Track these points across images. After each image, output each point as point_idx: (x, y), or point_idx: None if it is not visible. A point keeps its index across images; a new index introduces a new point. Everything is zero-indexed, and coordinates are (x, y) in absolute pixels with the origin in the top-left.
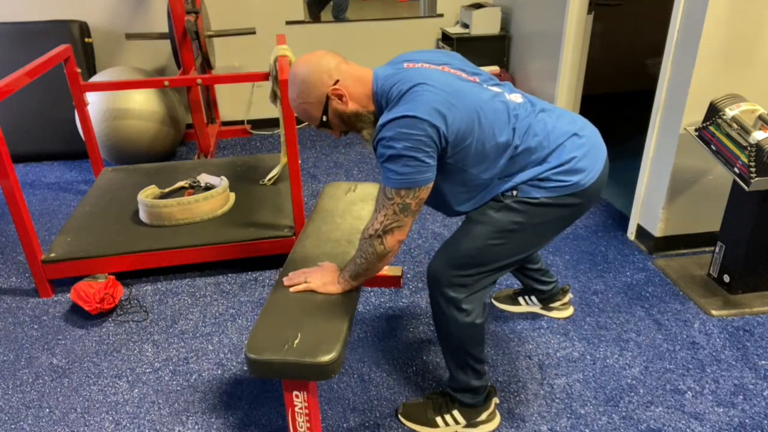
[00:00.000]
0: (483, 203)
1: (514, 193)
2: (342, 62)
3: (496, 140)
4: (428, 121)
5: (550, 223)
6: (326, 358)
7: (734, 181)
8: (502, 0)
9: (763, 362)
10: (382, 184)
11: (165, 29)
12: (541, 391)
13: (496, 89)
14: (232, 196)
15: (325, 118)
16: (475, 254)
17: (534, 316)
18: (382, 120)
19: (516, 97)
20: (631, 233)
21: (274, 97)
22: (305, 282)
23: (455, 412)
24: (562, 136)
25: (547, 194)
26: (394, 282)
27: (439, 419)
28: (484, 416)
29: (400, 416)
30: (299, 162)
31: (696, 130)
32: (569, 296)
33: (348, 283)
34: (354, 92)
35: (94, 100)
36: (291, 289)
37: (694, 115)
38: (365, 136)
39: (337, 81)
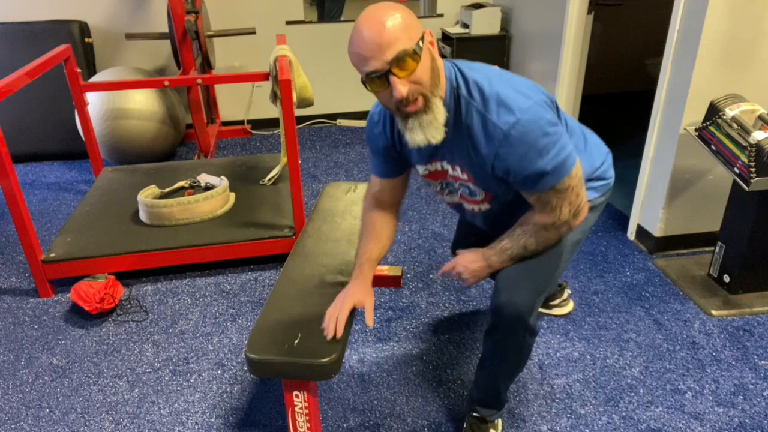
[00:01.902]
0: None
1: None
2: None
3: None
4: (542, 95)
5: (590, 228)
6: (326, 358)
7: (734, 181)
8: (502, 0)
9: (763, 362)
10: (546, 188)
11: (165, 29)
12: (541, 391)
13: None
14: (232, 196)
15: (419, 51)
16: (555, 274)
17: None
18: (495, 117)
19: None
20: (631, 233)
21: (274, 97)
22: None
23: (498, 422)
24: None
25: (596, 195)
26: (394, 282)
27: None
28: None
29: None
30: (299, 162)
31: (696, 130)
32: (567, 292)
33: (498, 264)
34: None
35: (94, 100)
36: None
37: (694, 115)
38: (431, 107)
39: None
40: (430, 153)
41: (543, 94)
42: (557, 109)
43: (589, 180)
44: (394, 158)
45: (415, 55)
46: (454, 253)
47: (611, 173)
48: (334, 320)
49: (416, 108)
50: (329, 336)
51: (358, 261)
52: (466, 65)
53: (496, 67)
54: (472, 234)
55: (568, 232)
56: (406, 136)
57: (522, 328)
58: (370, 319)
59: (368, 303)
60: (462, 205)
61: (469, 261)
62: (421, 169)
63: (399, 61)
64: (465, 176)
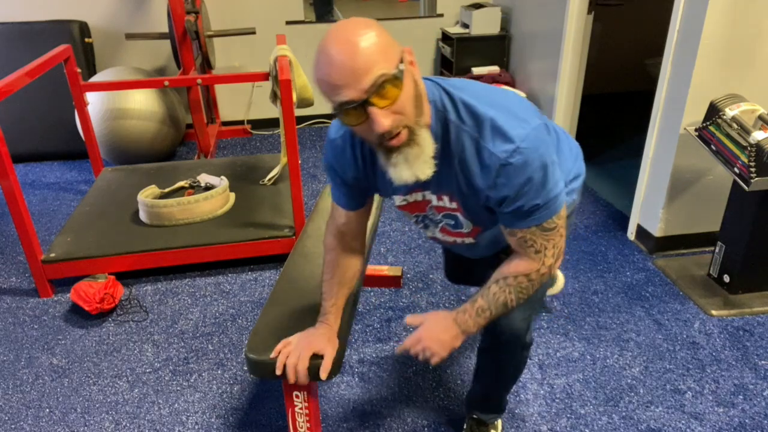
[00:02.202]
0: None
1: None
2: None
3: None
4: (539, 121)
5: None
6: None
7: (734, 181)
8: (502, 0)
9: (763, 362)
10: (532, 226)
11: (165, 29)
12: (541, 391)
13: None
14: (232, 196)
15: (400, 76)
16: (545, 292)
17: None
18: (491, 144)
19: None
20: (631, 233)
21: (274, 97)
22: (422, 347)
23: (498, 423)
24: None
25: (575, 197)
26: (394, 282)
27: None
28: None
29: None
30: (299, 162)
31: (696, 130)
32: None
33: (474, 329)
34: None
35: (94, 100)
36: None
37: (694, 115)
38: (417, 140)
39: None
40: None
41: (537, 115)
42: (550, 127)
43: (569, 182)
44: (363, 188)
45: (396, 80)
46: (450, 280)
47: (583, 166)
48: (293, 370)
49: (400, 141)
50: (291, 381)
51: (324, 306)
52: (450, 84)
53: (480, 83)
54: (464, 260)
55: (546, 280)
56: (390, 173)
57: (519, 346)
58: (324, 372)
59: (328, 352)
60: (441, 238)
61: (440, 331)
62: (398, 199)
63: (379, 88)
64: (454, 205)
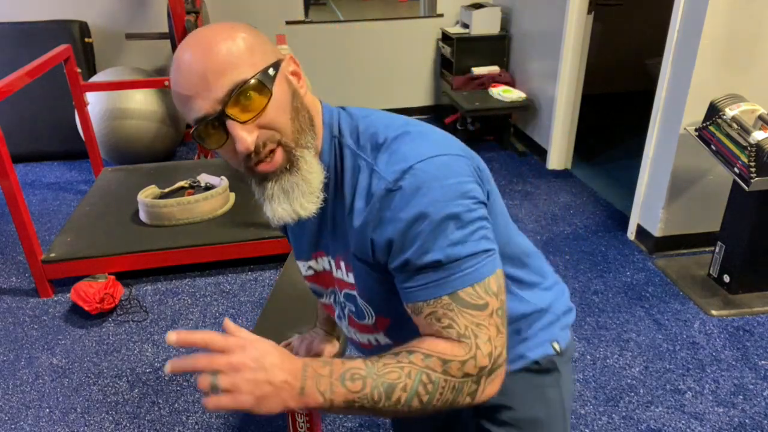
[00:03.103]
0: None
1: (556, 346)
2: None
3: (511, 229)
4: (464, 156)
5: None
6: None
7: (734, 181)
8: (502, 0)
9: (763, 362)
10: (442, 295)
11: (165, 29)
12: None
13: None
14: (232, 196)
15: (268, 82)
16: None
17: None
18: (383, 167)
19: None
20: (631, 233)
21: None
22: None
23: None
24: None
25: (569, 337)
26: None
27: None
28: None
29: None
30: None
31: (696, 130)
32: None
33: (322, 401)
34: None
35: (94, 100)
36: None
37: (694, 115)
38: (298, 164)
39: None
40: (313, 239)
41: (465, 151)
42: (484, 182)
43: (562, 314)
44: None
45: (260, 86)
46: None
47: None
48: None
49: (275, 166)
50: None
51: (320, 316)
52: (360, 110)
53: (408, 118)
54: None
55: (479, 397)
56: (265, 209)
57: None
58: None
59: (328, 352)
60: (356, 338)
61: (276, 364)
62: (303, 267)
63: (238, 97)
64: (349, 277)
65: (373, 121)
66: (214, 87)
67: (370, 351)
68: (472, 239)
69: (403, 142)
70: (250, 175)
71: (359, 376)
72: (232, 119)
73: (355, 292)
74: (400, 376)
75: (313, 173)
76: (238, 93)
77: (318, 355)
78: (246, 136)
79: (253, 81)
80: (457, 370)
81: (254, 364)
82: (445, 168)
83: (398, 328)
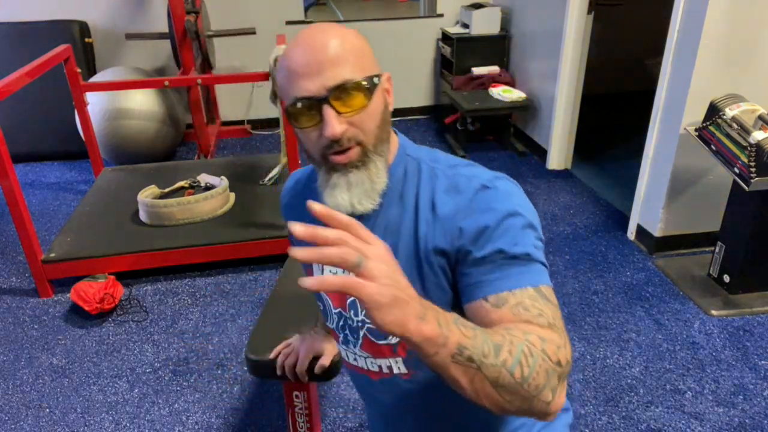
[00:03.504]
0: None
1: None
2: None
3: None
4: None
5: None
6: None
7: (734, 181)
8: (502, 0)
9: (763, 362)
10: (527, 286)
11: (165, 29)
12: None
13: None
14: (232, 196)
15: (372, 88)
16: None
17: None
18: (466, 172)
19: None
20: (631, 233)
21: (274, 97)
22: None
23: None
24: None
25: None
26: None
27: None
28: None
29: None
30: (299, 162)
31: (696, 130)
32: None
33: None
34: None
35: (94, 100)
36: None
37: (694, 115)
38: (368, 165)
39: None
40: None
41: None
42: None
43: (562, 411)
44: None
45: (365, 90)
46: None
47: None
48: (293, 371)
49: (348, 159)
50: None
51: (321, 320)
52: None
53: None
54: None
55: (554, 404)
56: (324, 196)
57: None
58: (320, 369)
59: (328, 351)
60: (362, 366)
61: (402, 285)
62: (317, 272)
63: (343, 90)
64: None
65: (439, 154)
66: (327, 75)
67: (377, 383)
68: (542, 252)
69: (477, 167)
70: (322, 162)
71: (471, 326)
72: (332, 107)
73: None
74: (505, 340)
75: (379, 177)
76: (346, 88)
77: (318, 355)
78: (337, 125)
79: (362, 82)
80: (552, 353)
81: (395, 266)
82: (520, 193)
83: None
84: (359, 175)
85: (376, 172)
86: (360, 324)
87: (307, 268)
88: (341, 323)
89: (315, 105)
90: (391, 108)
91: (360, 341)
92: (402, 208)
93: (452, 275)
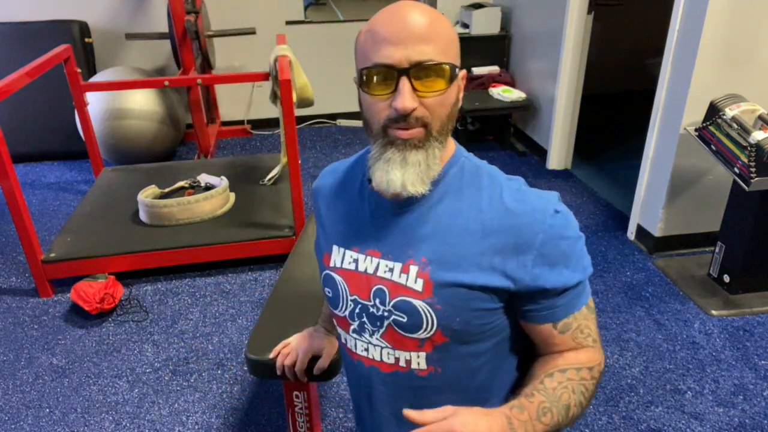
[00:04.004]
0: None
1: None
2: None
3: None
4: None
5: None
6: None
7: (734, 181)
8: (502, 0)
9: (763, 362)
10: (582, 306)
11: (165, 29)
12: None
13: None
14: (232, 196)
15: (452, 76)
16: None
17: None
18: (528, 190)
19: None
20: (631, 233)
21: (274, 97)
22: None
23: None
24: None
25: None
26: None
27: None
28: None
29: None
30: (299, 162)
31: (696, 130)
32: None
33: None
34: None
35: (94, 100)
36: None
37: (694, 115)
38: (427, 148)
39: None
40: (372, 234)
41: None
42: None
43: None
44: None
45: (446, 75)
46: None
47: None
48: (292, 371)
49: (410, 135)
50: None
51: (324, 314)
52: None
53: None
54: None
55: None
56: (375, 169)
57: None
58: (319, 370)
59: (327, 351)
60: (372, 358)
61: (484, 428)
62: (343, 257)
63: (425, 69)
64: (419, 284)
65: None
66: (415, 48)
67: (386, 376)
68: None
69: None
70: (382, 134)
71: (547, 409)
72: (410, 81)
73: (417, 300)
74: (570, 395)
75: (435, 163)
76: (428, 67)
77: (318, 354)
78: (410, 99)
79: (445, 66)
80: (598, 373)
81: (475, 415)
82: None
83: (446, 351)
84: (417, 155)
85: (433, 158)
86: (386, 313)
87: (325, 251)
88: (357, 311)
89: (393, 75)
90: (459, 104)
91: (383, 330)
92: (460, 205)
93: (509, 283)
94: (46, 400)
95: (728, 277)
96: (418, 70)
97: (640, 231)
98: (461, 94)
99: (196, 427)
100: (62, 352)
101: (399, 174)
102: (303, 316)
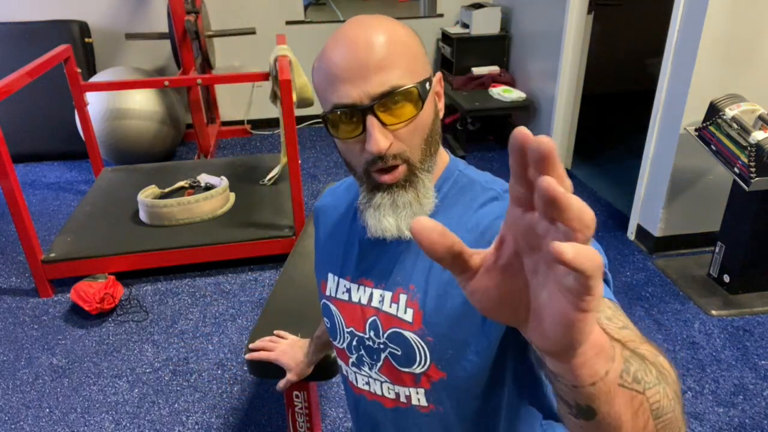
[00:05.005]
0: None
1: None
2: None
3: None
4: None
5: None
6: (326, 358)
7: (734, 181)
8: (502, 0)
9: (763, 362)
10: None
11: (165, 29)
12: None
13: None
14: (232, 196)
15: (423, 96)
16: None
17: None
18: None
19: None
20: (631, 233)
21: (274, 97)
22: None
23: None
24: None
25: None
26: None
27: None
28: None
29: None
30: (299, 162)
31: (696, 130)
32: None
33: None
34: None
35: (94, 100)
36: None
37: (694, 115)
38: (415, 184)
39: None
40: (364, 264)
41: None
42: None
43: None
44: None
45: (416, 98)
46: None
47: None
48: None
49: (395, 179)
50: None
51: (310, 349)
52: None
53: None
54: None
55: None
56: (366, 217)
57: None
58: (284, 382)
59: (295, 370)
60: (375, 392)
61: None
62: (336, 286)
63: (390, 100)
64: (409, 314)
65: (488, 176)
66: (373, 80)
67: (389, 412)
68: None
69: None
70: (366, 178)
71: (642, 367)
72: (377, 118)
73: (408, 332)
74: (655, 378)
75: (427, 198)
76: (393, 96)
77: (288, 370)
78: (382, 139)
79: (412, 89)
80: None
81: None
82: None
83: (443, 389)
84: (406, 196)
85: (425, 191)
86: (382, 346)
87: (321, 279)
88: (354, 343)
89: (357, 114)
90: (441, 114)
91: (380, 363)
92: (449, 224)
93: None
94: (46, 400)
95: (728, 277)
96: (384, 103)
97: (640, 231)
98: (441, 102)
99: (196, 427)
100: (62, 352)
101: (392, 220)
102: (303, 317)
